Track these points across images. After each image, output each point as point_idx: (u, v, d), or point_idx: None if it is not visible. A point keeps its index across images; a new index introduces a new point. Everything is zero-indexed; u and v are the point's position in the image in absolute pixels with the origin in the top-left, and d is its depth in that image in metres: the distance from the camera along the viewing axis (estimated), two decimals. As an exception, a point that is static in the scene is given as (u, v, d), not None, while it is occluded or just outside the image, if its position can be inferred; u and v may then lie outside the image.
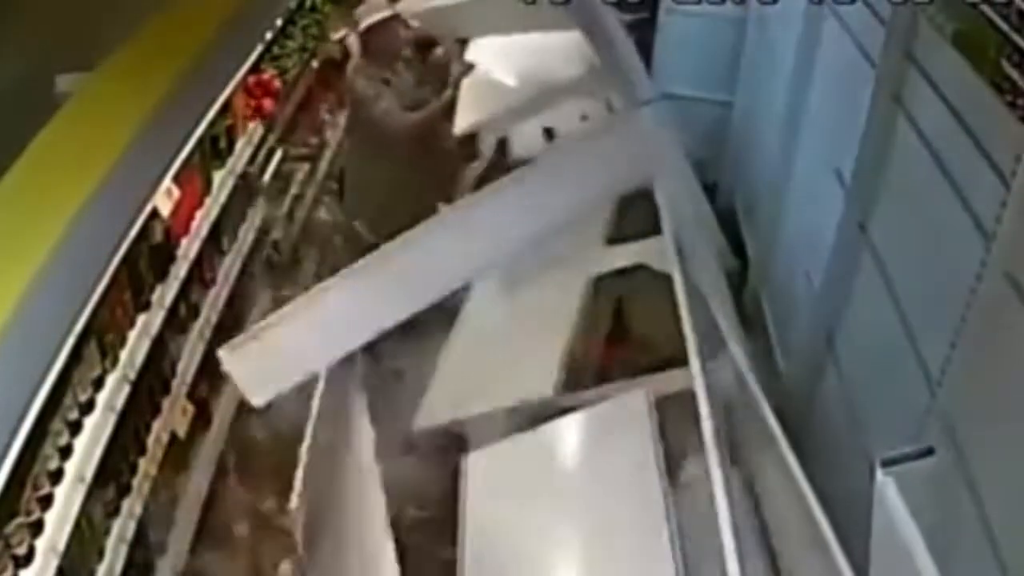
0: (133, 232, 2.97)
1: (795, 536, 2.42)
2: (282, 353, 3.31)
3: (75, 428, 2.66)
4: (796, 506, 2.46)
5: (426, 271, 3.33)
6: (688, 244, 3.29)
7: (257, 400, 3.33)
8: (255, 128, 4.30)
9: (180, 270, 3.38)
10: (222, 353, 3.26)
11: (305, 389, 3.49)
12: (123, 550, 2.86)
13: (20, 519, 2.35)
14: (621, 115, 3.39)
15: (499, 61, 5.06)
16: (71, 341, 2.57)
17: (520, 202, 3.39)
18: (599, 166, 3.41)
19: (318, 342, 3.34)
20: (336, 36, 5.71)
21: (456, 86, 4.83)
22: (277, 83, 4.70)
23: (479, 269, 3.59)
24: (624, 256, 3.37)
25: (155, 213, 3.17)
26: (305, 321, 3.28)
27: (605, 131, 3.52)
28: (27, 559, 2.36)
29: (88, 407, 2.74)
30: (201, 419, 3.61)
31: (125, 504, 2.92)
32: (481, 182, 4.94)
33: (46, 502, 2.47)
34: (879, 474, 1.74)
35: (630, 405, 3.04)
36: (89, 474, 2.64)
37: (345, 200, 5.25)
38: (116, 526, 2.86)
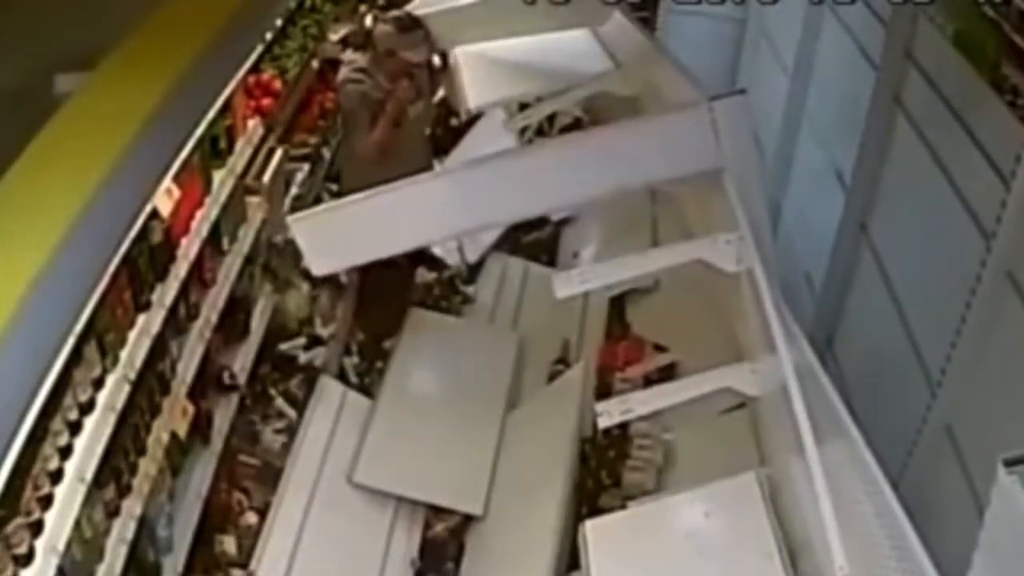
0: (133, 232, 2.97)
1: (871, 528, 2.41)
2: (351, 231, 3.52)
3: (75, 428, 2.66)
4: (871, 497, 2.45)
5: (501, 193, 3.55)
6: (763, 240, 3.27)
7: (317, 269, 3.60)
8: (255, 128, 4.30)
9: (180, 270, 3.37)
10: (291, 219, 3.52)
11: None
12: (123, 550, 2.86)
13: (20, 519, 2.35)
14: (695, 103, 3.37)
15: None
16: (71, 341, 2.57)
17: (590, 155, 3.52)
18: (670, 145, 3.47)
19: (388, 230, 3.52)
20: (336, 37, 5.72)
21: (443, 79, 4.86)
22: (277, 83, 4.70)
23: (545, 205, 3.89)
24: (681, 254, 3.36)
25: (155, 213, 3.17)
26: (380, 207, 3.46)
27: (678, 114, 3.55)
28: (27, 559, 2.36)
29: (88, 407, 2.73)
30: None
31: (125, 504, 2.92)
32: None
33: (46, 502, 2.47)
34: (1002, 473, 1.69)
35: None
36: (89, 474, 2.64)
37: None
38: (116, 526, 2.86)
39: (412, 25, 4.55)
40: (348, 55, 4.89)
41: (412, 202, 3.51)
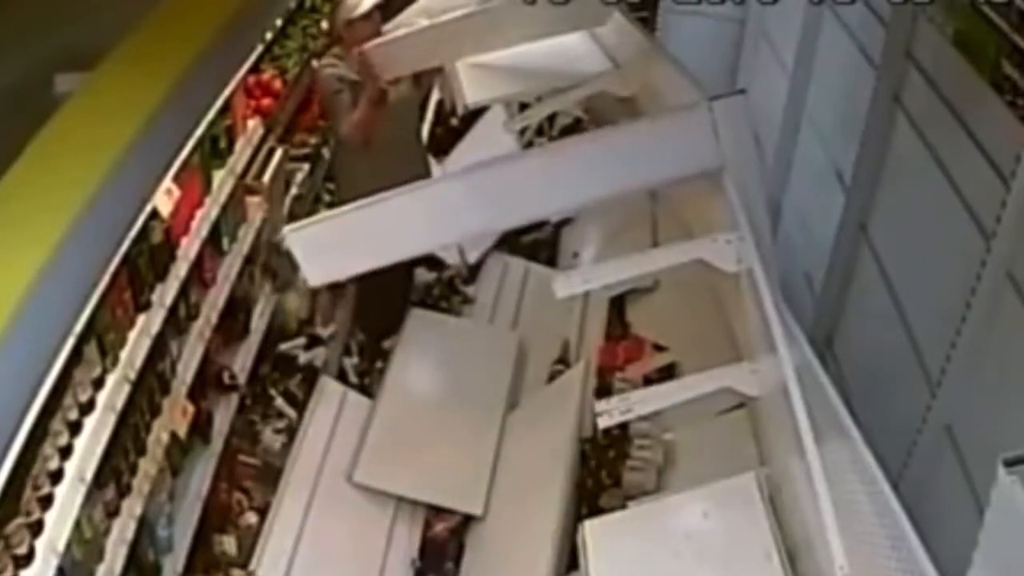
0: (133, 232, 2.97)
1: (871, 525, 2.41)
2: (348, 240, 3.51)
3: (75, 428, 2.66)
4: (871, 497, 2.45)
5: (500, 198, 3.52)
6: (763, 240, 3.28)
7: (313, 279, 3.61)
8: (255, 128, 4.30)
9: (180, 270, 3.38)
10: (287, 231, 3.48)
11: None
12: (123, 550, 2.86)
13: (20, 519, 2.35)
14: (695, 103, 3.38)
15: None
16: (71, 341, 2.57)
17: (590, 158, 3.50)
18: (670, 147, 3.45)
19: (385, 239, 3.51)
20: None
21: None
22: (277, 83, 4.70)
23: (545, 209, 3.98)
24: (681, 254, 3.36)
25: (155, 213, 3.17)
26: (376, 215, 3.45)
27: (678, 115, 3.54)
28: (27, 559, 2.36)
29: (88, 407, 2.73)
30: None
31: (125, 504, 2.92)
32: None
33: (46, 502, 2.47)
34: (1002, 473, 1.69)
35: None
36: (89, 474, 2.64)
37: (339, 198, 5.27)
38: (116, 526, 2.86)
39: None
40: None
41: (409, 209, 3.51)
